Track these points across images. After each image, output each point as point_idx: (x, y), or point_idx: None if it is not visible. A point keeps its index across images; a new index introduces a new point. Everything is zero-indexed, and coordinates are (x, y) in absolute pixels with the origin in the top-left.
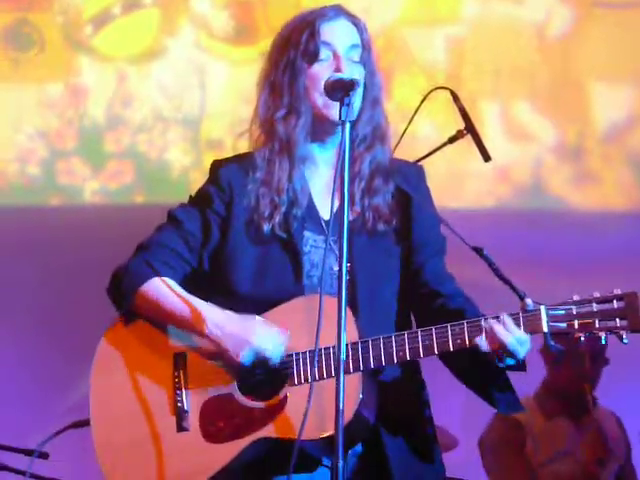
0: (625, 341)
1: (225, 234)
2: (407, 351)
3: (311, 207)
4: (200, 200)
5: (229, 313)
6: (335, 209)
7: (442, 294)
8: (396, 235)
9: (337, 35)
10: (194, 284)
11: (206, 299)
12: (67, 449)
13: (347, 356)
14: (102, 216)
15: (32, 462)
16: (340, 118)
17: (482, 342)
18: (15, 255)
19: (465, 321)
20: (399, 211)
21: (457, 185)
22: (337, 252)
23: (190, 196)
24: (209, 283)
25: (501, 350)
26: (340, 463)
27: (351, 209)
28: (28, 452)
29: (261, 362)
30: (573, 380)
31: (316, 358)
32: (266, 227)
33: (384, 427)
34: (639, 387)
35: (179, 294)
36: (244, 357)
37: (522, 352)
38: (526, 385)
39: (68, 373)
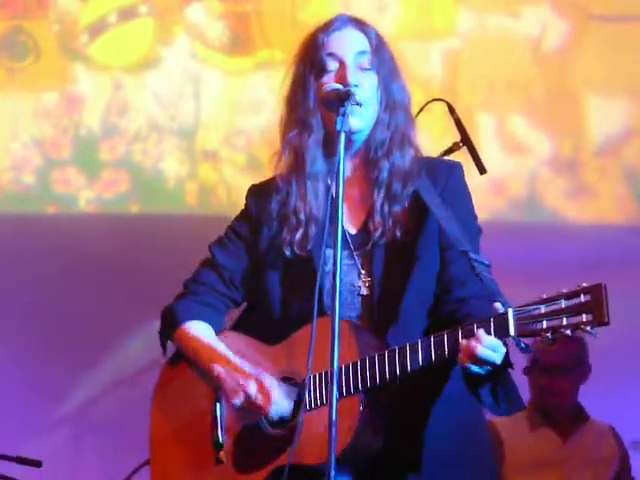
0: (596, 335)
1: (254, 260)
2: (397, 366)
3: (334, 222)
4: (232, 229)
5: (239, 361)
6: (360, 223)
7: (461, 298)
8: (418, 242)
9: (343, 44)
10: (245, 313)
11: (246, 322)
12: (61, 458)
13: (345, 378)
14: (97, 225)
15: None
16: (336, 128)
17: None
18: (10, 264)
19: (445, 332)
20: (417, 216)
21: None
22: (359, 267)
23: (227, 225)
24: (248, 306)
25: (475, 360)
26: (332, 473)
27: (372, 221)
28: (36, 463)
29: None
30: (546, 394)
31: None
32: (287, 251)
33: (395, 448)
34: (633, 396)
35: (203, 338)
36: (235, 401)
37: (498, 358)
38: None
39: (63, 382)
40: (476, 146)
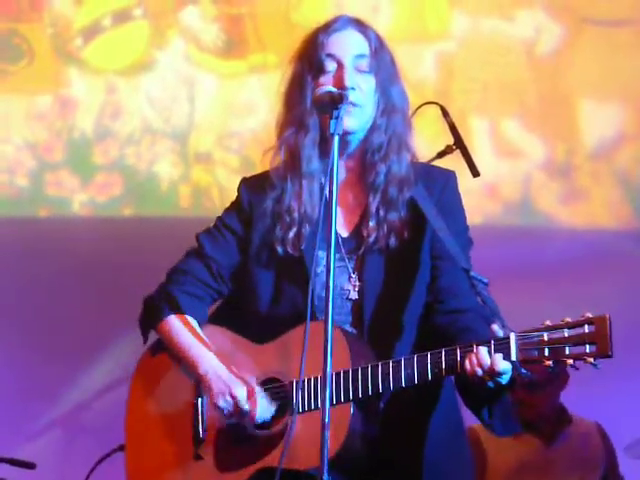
0: (598, 367)
1: (244, 254)
2: (391, 381)
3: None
4: (222, 221)
5: (218, 363)
6: (352, 226)
7: (455, 310)
8: (410, 252)
9: (342, 46)
10: (223, 303)
11: (231, 316)
12: (54, 460)
13: (335, 385)
14: (90, 228)
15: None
16: (329, 131)
17: (461, 370)
18: (3, 266)
19: (443, 349)
20: (413, 225)
21: None
22: (350, 271)
23: (217, 217)
24: (232, 300)
25: (481, 378)
26: (325, 477)
27: (366, 225)
28: (30, 465)
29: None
30: (524, 407)
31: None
32: (280, 248)
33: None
34: (624, 401)
35: (187, 334)
36: (220, 403)
37: (505, 379)
38: None
39: (56, 384)
40: (469, 149)
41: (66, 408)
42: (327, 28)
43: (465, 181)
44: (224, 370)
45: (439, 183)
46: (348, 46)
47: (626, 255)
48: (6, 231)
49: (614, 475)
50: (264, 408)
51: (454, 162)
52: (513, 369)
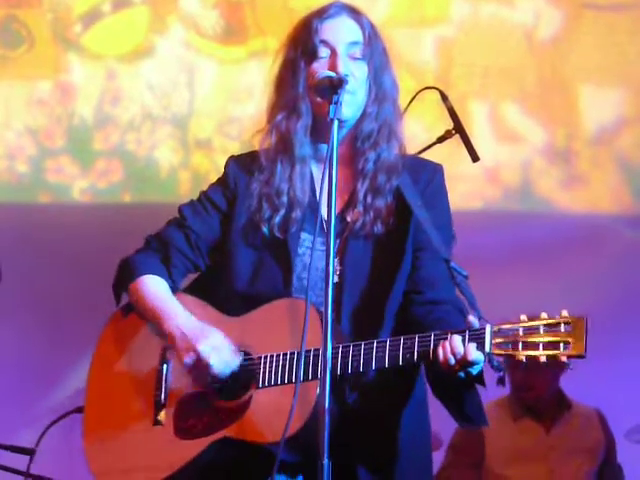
0: (570, 367)
1: (226, 231)
2: (361, 362)
3: (314, 207)
4: (207, 196)
5: (193, 320)
6: (338, 210)
7: (432, 301)
8: (393, 240)
9: (336, 32)
10: (200, 278)
11: (207, 291)
12: (54, 446)
13: (307, 363)
14: (90, 214)
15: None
16: (328, 116)
17: (433, 357)
18: (2, 253)
19: (417, 335)
20: (398, 214)
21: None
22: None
23: (200, 191)
24: (210, 276)
25: (453, 367)
26: (325, 461)
27: (352, 210)
28: (29, 451)
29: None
30: (523, 390)
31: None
32: (265, 229)
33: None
34: (625, 385)
35: (159, 293)
36: (186, 359)
37: (476, 369)
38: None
39: (55, 370)
40: (469, 134)
41: (66, 394)
42: (321, 14)
43: (465, 166)
44: (193, 323)
45: (426, 175)
46: (342, 33)
47: (626, 240)
48: (6, 217)
49: (612, 461)
50: (229, 363)
51: (454, 147)
52: (485, 361)
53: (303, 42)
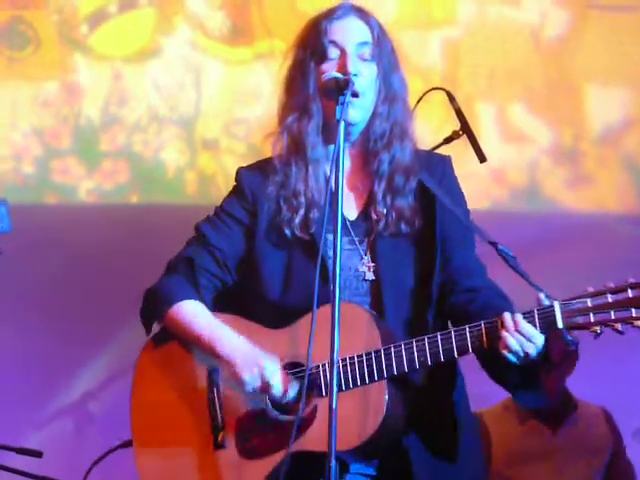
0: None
1: (251, 242)
2: (428, 356)
3: (334, 208)
4: (224, 210)
5: (247, 342)
6: (359, 210)
7: (470, 289)
8: (422, 235)
9: (345, 33)
10: (228, 295)
11: (239, 308)
12: (62, 448)
13: (369, 365)
14: (97, 215)
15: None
16: (335, 117)
17: (500, 342)
18: (8, 253)
19: (482, 322)
20: (422, 210)
21: None
22: (362, 253)
23: (216, 207)
24: (241, 292)
25: (512, 349)
26: (333, 463)
27: (374, 210)
28: (37, 453)
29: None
30: None
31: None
32: (287, 231)
33: (412, 436)
34: (632, 385)
35: (201, 318)
36: (245, 374)
37: (533, 350)
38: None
39: (64, 373)
40: (476, 135)
41: (74, 397)
42: (330, 15)
43: (472, 166)
44: (248, 345)
45: (439, 168)
46: (351, 34)
47: (633, 239)
48: (12, 218)
49: (620, 460)
50: (291, 387)
51: (461, 147)
52: (557, 338)
53: (312, 43)
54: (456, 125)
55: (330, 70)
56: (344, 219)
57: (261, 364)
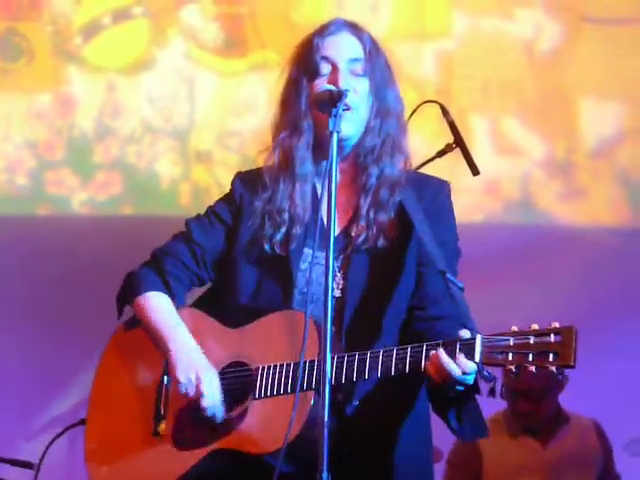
0: (559, 376)
1: (230, 246)
2: (354, 372)
3: (319, 224)
4: (213, 209)
5: (194, 344)
6: (342, 226)
7: (433, 317)
8: (395, 253)
9: (336, 49)
10: (208, 291)
11: (214, 304)
12: (57, 459)
13: (304, 374)
14: (90, 227)
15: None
16: (328, 129)
17: (425, 368)
18: (2, 265)
19: (409, 346)
20: (400, 228)
21: None
22: (336, 269)
23: (208, 205)
24: (216, 289)
25: (445, 379)
26: (325, 475)
27: (357, 226)
28: (28, 465)
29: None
30: (523, 415)
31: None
32: (267, 246)
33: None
34: (623, 397)
35: (161, 311)
36: (181, 376)
37: (469, 379)
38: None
39: (57, 383)
40: (469, 148)
41: (67, 407)
42: (322, 31)
43: (465, 179)
44: (196, 352)
45: (430, 192)
46: (343, 49)
47: (626, 253)
48: (6, 230)
49: (610, 473)
50: (218, 397)
51: (454, 160)
52: (476, 371)
53: (305, 60)
54: (449, 138)
55: (322, 85)
56: (321, 234)
57: (200, 375)
